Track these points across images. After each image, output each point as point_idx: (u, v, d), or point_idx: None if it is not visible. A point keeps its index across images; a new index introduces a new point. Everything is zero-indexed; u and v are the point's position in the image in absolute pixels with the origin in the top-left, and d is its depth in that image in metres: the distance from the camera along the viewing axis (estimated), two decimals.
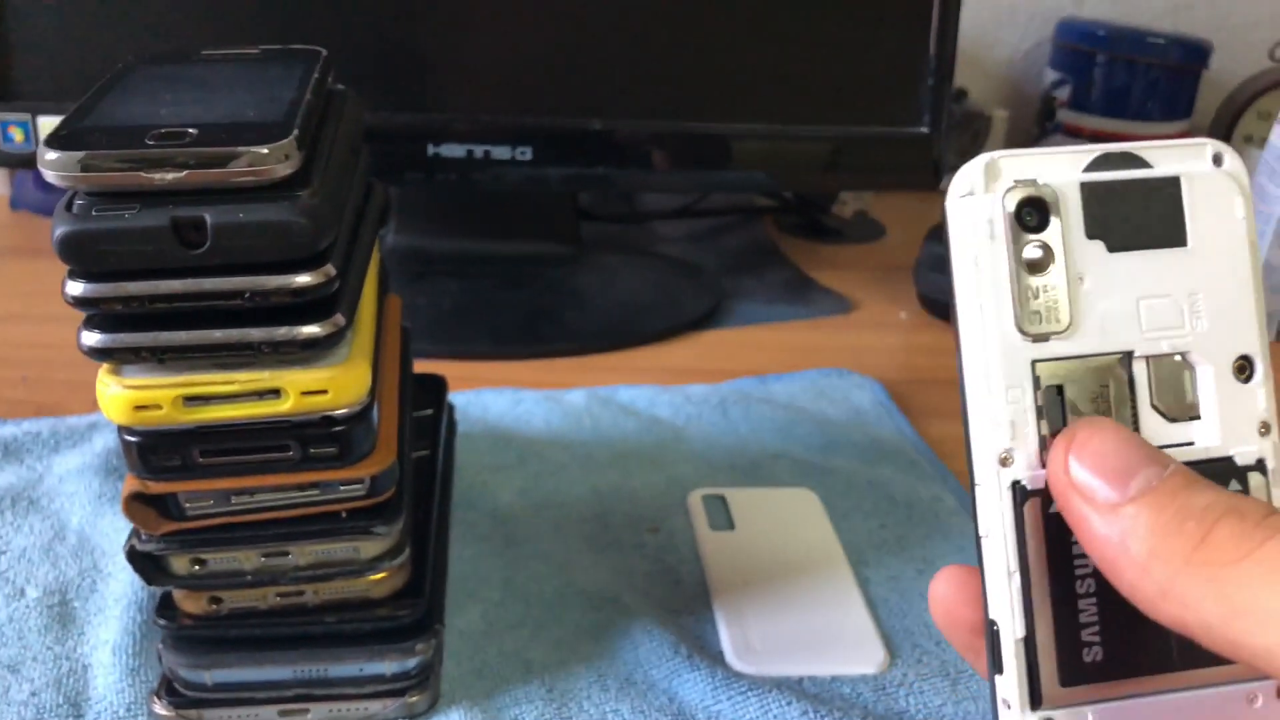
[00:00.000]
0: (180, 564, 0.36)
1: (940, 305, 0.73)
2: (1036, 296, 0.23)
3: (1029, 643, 0.22)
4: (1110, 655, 0.22)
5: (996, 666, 0.23)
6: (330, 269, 0.33)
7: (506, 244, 0.73)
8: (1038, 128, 0.96)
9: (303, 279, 0.32)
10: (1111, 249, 0.23)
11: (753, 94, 0.66)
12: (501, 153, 0.64)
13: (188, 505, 0.36)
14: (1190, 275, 0.23)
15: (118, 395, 0.33)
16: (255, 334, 0.33)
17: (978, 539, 0.23)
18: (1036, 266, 0.23)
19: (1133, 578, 0.21)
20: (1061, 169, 0.23)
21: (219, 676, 0.38)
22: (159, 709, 0.38)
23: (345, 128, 0.38)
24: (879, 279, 0.80)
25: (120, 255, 0.31)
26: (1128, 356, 0.23)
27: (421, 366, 0.52)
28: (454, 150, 0.63)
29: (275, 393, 0.34)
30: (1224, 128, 0.96)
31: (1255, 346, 0.23)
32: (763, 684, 0.40)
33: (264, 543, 0.36)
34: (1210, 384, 0.23)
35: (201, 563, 0.36)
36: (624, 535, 0.49)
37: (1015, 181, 0.23)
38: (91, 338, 0.32)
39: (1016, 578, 0.23)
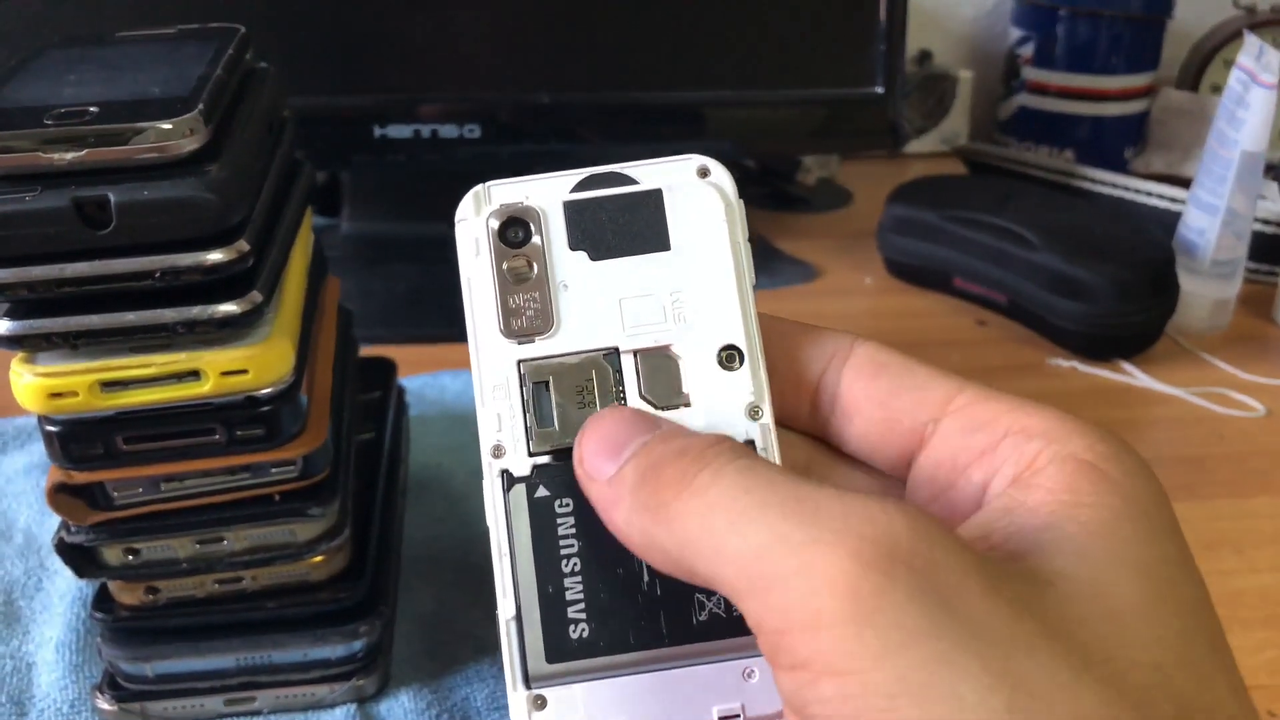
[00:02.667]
0: (112, 554, 0.36)
1: (905, 268, 0.73)
2: (522, 303, 0.25)
3: (518, 622, 0.23)
4: (597, 631, 0.23)
5: (499, 647, 0.24)
6: (243, 245, 0.32)
7: None
8: (1003, 86, 0.95)
9: (214, 256, 0.32)
10: (595, 258, 0.25)
11: (704, 60, 0.65)
12: (449, 131, 0.63)
13: (116, 494, 0.35)
14: (673, 276, 0.25)
15: (31, 384, 0.32)
16: (169, 314, 0.32)
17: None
18: (521, 276, 0.25)
19: (627, 539, 0.22)
20: (549, 191, 0.26)
21: (160, 668, 0.37)
22: (102, 704, 0.37)
23: (263, 104, 0.37)
24: (845, 246, 0.79)
25: (23, 239, 0.30)
26: (615, 352, 0.25)
27: (379, 351, 0.52)
28: (401, 131, 0.62)
29: (194, 374, 0.33)
30: (1191, 78, 0.95)
31: (739, 336, 0.25)
32: None
33: (197, 529, 0.36)
34: (695, 373, 0.25)
35: (134, 552, 0.36)
36: None
37: (501, 205, 0.26)
38: (0, 325, 0.32)
39: (506, 560, 0.24)
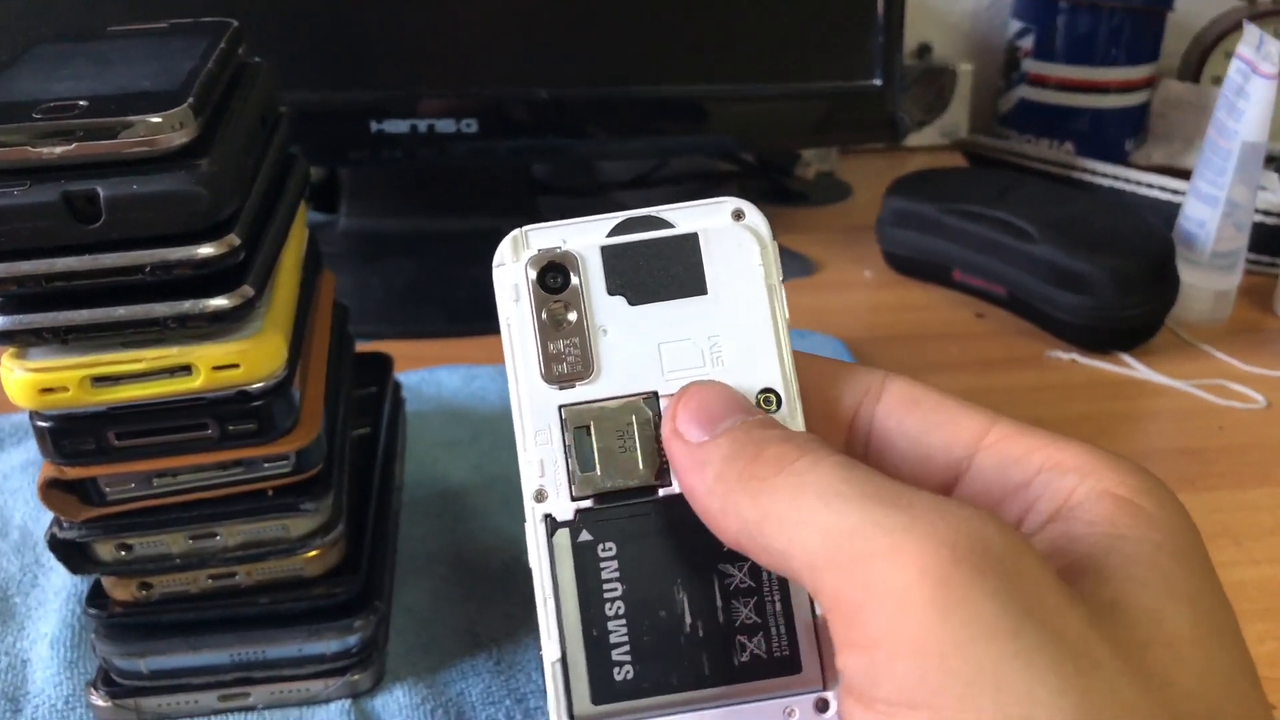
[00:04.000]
0: (105, 550, 0.35)
1: (904, 261, 0.72)
2: (563, 349, 0.25)
3: (564, 664, 0.24)
4: (641, 673, 0.24)
5: (543, 688, 0.24)
6: (234, 239, 0.32)
7: (459, 220, 0.71)
8: (1003, 79, 0.94)
9: (205, 250, 0.32)
10: (633, 302, 0.26)
11: (701, 54, 0.65)
12: (446, 126, 0.62)
13: (108, 489, 0.35)
14: (710, 320, 0.26)
15: (22, 379, 0.32)
16: (160, 309, 0.32)
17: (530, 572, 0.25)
18: (560, 322, 0.26)
19: (704, 501, 0.23)
20: (586, 235, 0.26)
21: (154, 664, 0.37)
22: (96, 700, 0.37)
23: (255, 98, 0.37)
24: (843, 239, 0.79)
25: (12, 233, 0.30)
26: (654, 396, 0.25)
27: (375, 347, 0.52)
28: (397, 126, 0.62)
29: (186, 369, 0.33)
30: (1192, 69, 0.95)
31: (778, 380, 0.26)
32: None
33: (190, 524, 0.35)
34: None
35: (127, 548, 0.36)
36: None
37: (539, 250, 0.26)
38: None
39: (551, 603, 0.24)
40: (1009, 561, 0.20)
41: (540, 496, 0.25)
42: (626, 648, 0.24)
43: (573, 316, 0.26)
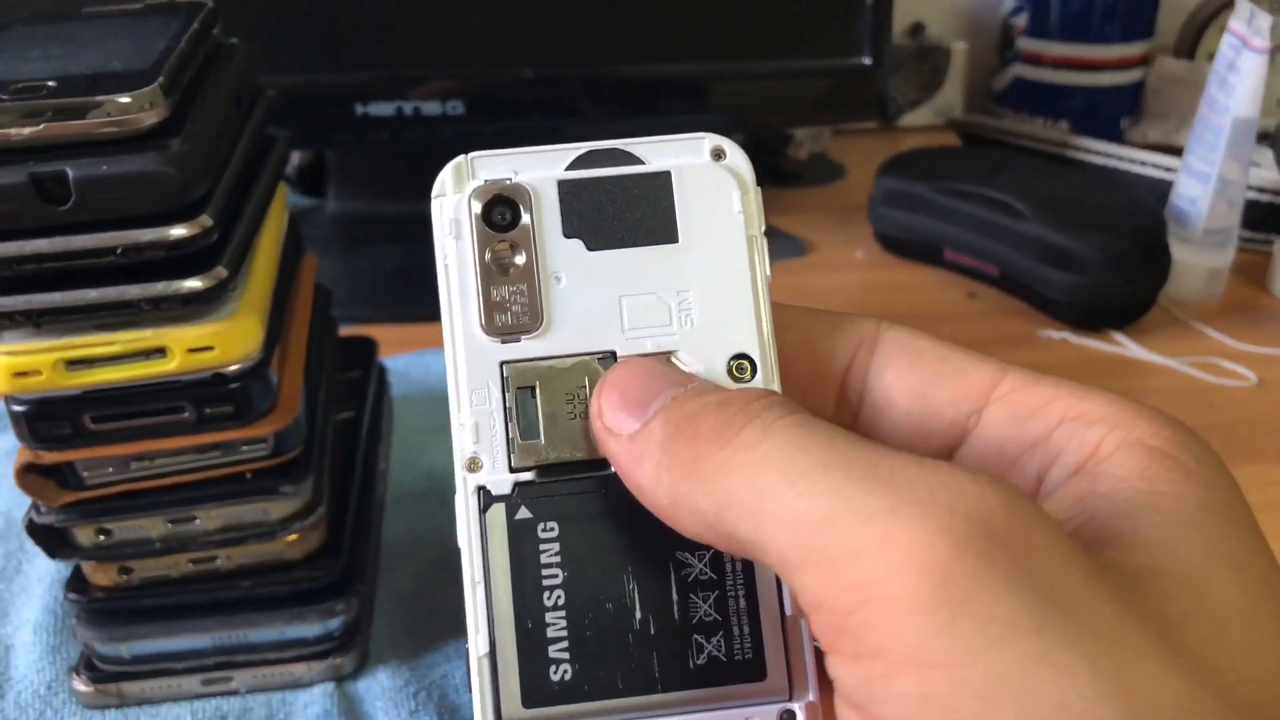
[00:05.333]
0: (84, 535, 0.35)
1: (896, 241, 0.72)
2: (508, 296, 0.22)
3: (492, 659, 0.21)
4: (581, 674, 0.21)
5: (468, 685, 0.21)
6: (206, 220, 0.32)
7: None
8: (997, 58, 0.94)
9: (177, 231, 0.31)
10: (592, 247, 0.22)
11: (690, 31, 0.65)
12: (432, 109, 0.62)
13: (86, 474, 0.35)
14: (681, 272, 0.22)
15: None
16: (133, 291, 0.32)
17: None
18: (507, 265, 0.22)
19: (651, 498, 0.20)
20: (541, 167, 0.23)
21: (136, 648, 0.37)
22: (79, 685, 0.37)
23: (230, 79, 0.37)
24: (836, 220, 0.78)
25: None
26: (612, 356, 0.22)
27: (364, 331, 0.51)
28: (382, 109, 0.62)
29: (160, 351, 0.32)
30: (1187, 46, 0.94)
31: (753, 344, 0.22)
32: None
33: (169, 508, 0.35)
34: None
35: (106, 532, 0.35)
36: None
37: (486, 181, 0.22)
38: None
39: (480, 589, 0.21)
40: (1020, 540, 0.17)
41: (473, 465, 0.22)
42: (565, 644, 0.21)
43: (521, 260, 0.22)
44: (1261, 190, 0.70)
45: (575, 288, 0.22)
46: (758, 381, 0.22)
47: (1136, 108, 0.93)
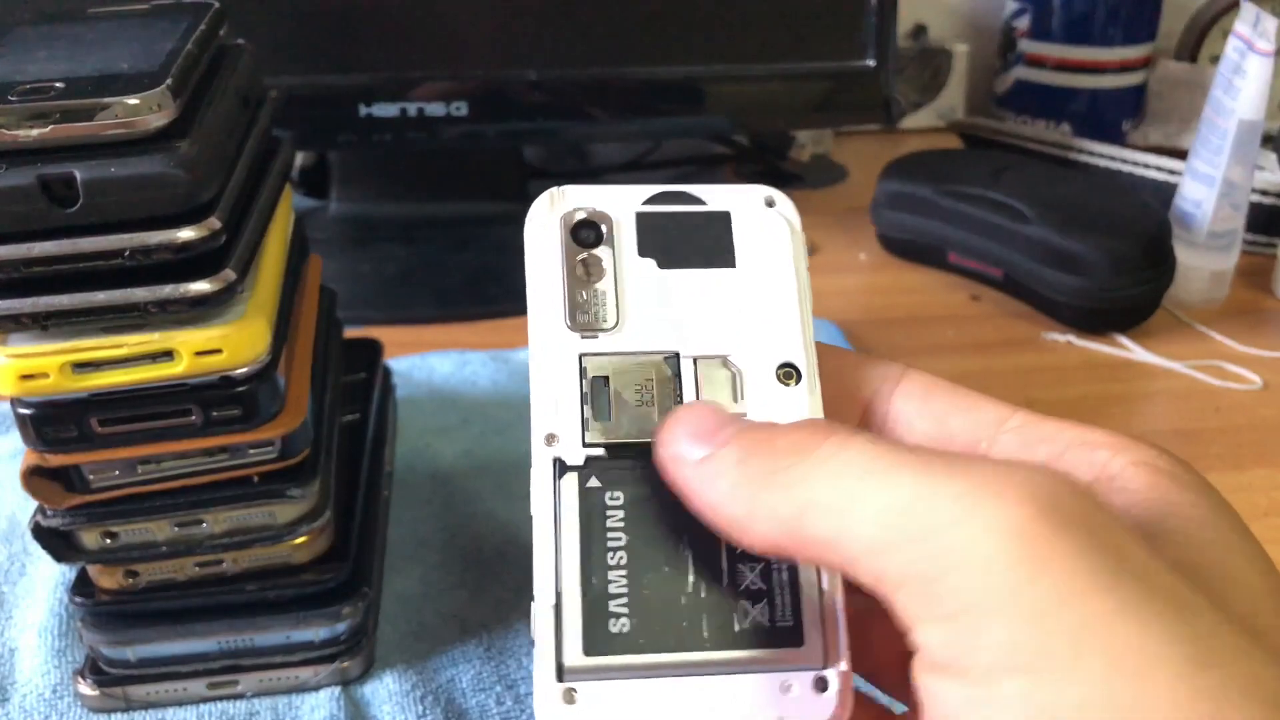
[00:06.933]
0: (90, 538, 0.35)
1: (899, 243, 0.72)
2: (588, 298, 0.26)
3: (556, 611, 0.23)
4: (637, 628, 0.23)
5: (532, 636, 0.23)
6: (215, 222, 0.32)
7: (450, 205, 0.71)
8: (999, 60, 0.94)
9: (186, 234, 0.31)
10: (662, 265, 0.27)
11: (692, 34, 0.65)
12: (435, 110, 0.62)
13: (92, 477, 0.35)
14: (736, 292, 0.26)
15: (2, 366, 0.32)
16: (140, 294, 0.31)
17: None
18: (590, 274, 0.26)
19: (726, 513, 0.22)
20: (622, 200, 0.27)
21: (142, 652, 0.37)
22: (84, 688, 0.37)
23: (236, 80, 0.37)
24: (839, 222, 0.78)
25: None
26: (675, 357, 0.26)
27: (366, 332, 0.51)
28: (386, 110, 0.62)
29: (168, 354, 0.32)
30: (1190, 49, 0.94)
31: (799, 354, 0.26)
32: None
33: (175, 511, 0.35)
34: (753, 386, 0.26)
35: (112, 536, 0.35)
36: None
37: (575, 206, 0.27)
38: None
39: (550, 546, 0.23)
40: (1086, 516, 0.19)
41: (551, 440, 0.25)
42: (625, 600, 0.23)
43: (601, 270, 0.26)
44: (1265, 193, 0.70)
45: (646, 297, 0.26)
46: (802, 387, 0.26)
47: (1138, 110, 0.93)
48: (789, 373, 0.26)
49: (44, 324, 0.32)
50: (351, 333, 0.49)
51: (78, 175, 0.30)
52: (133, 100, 0.30)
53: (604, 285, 0.26)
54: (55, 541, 0.35)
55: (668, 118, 0.67)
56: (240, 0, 0.42)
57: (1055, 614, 0.18)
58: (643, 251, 0.26)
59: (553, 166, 0.84)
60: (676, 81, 0.65)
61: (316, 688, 0.37)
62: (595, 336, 0.26)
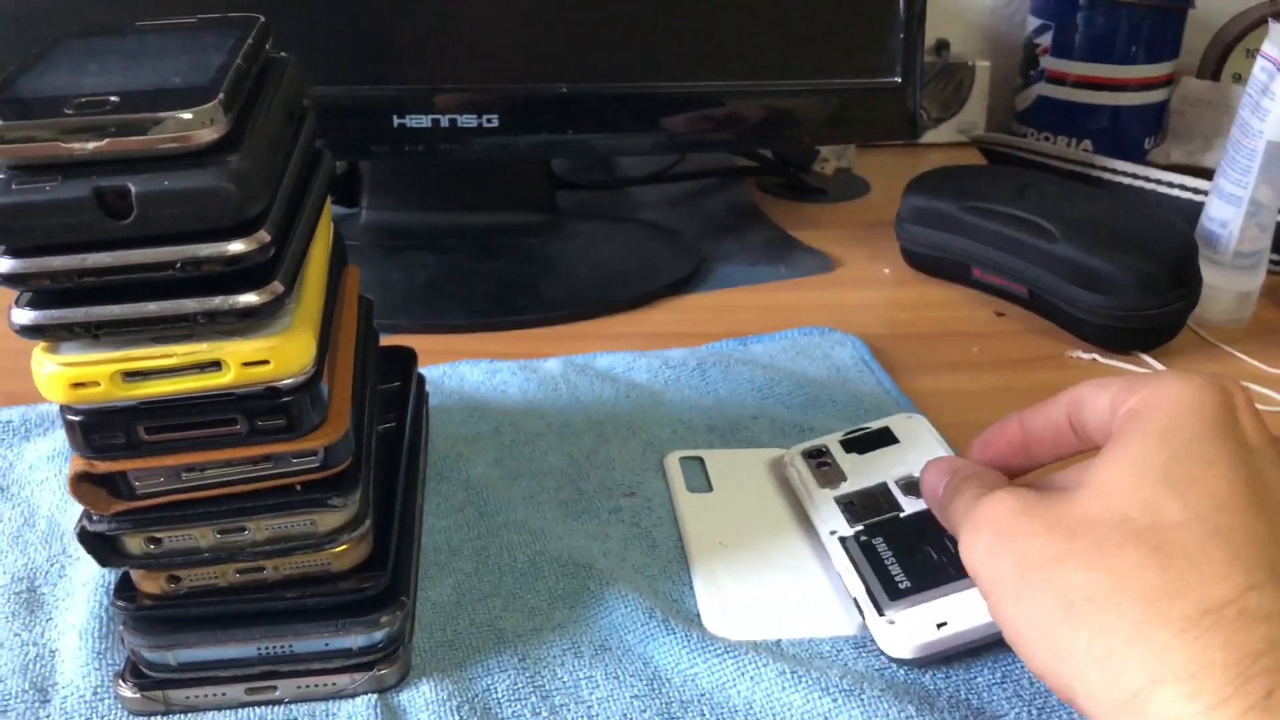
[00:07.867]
0: (134, 543, 0.36)
1: (923, 259, 0.72)
2: (829, 475, 0.48)
3: (870, 596, 0.42)
4: (913, 584, 0.41)
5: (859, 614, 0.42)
6: (264, 235, 0.32)
7: (480, 215, 0.72)
8: (1021, 76, 0.94)
9: (236, 247, 0.32)
10: (860, 454, 0.49)
11: (721, 50, 0.65)
12: (468, 121, 0.62)
13: (137, 483, 0.35)
14: (904, 460, 0.49)
15: (54, 374, 0.32)
16: (190, 305, 0.32)
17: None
18: (825, 470, 0.48)
19: (944, 518, 0.41)
20: (829, 440, 0.50)
21: (182, 656, 0.37)
22: (124, 691, 0.37)
23: (283, 94, 0.37)
24: (862, 236, 0.79)
25: (44, 229, 0.30)
26: (884, 485, 0.47)
27: (397, 341, 0.52)
28: (419, 120, 0.62)
29: (216, 365, 0.33)
30: (1212, 67, 0.94)
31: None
32: (739, 646, 0.40)
33: (218, 519, 0.36)
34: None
35: (156, 541, 0.36)
36: (599, 501, 0.48)
37: (806, 447, 0.50)
38: (22, 315, 0.32)
39: (854, 573, 0.43)
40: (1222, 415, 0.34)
41: (834, 533, 0.45)
42: (902, 574, 0.42)
43: (830, 464, 0.48)
44: None
45: (856, 468, 0.48)
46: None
47: (1160, 128, 0.93)
48: (908, 485, 0.47)
49: (95, 333, 0.32)
50: (384, 340, 0.50)
51: (132, 188, 0.30)
52: (186, 115, 0.31)
53: (834, 469, 0.48)
54: (100, 546, 0.35)
55: (695, 132, 0.67)
56: (278, 12, 0.43)
57: (1160, 467, 0.34)
58: (847, 452, 0.49)
59: (579, 177, 0.85)
60: (704, 96, 0.66)
61: (354, 695, 0.38)
62: (837, 488, 0.47)
